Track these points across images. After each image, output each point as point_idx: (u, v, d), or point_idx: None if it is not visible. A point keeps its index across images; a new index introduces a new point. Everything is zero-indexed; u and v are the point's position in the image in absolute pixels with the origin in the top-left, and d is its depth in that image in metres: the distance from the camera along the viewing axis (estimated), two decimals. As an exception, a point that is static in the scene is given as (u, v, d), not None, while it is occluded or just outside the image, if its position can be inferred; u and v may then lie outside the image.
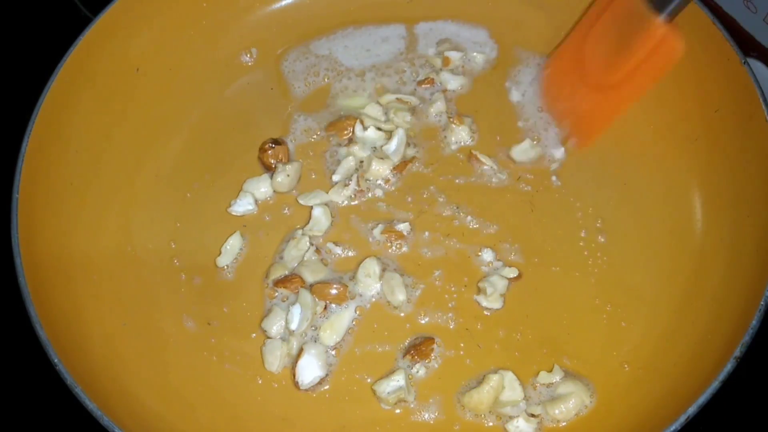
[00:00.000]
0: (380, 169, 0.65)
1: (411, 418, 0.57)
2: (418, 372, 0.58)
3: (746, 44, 0.70)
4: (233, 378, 0.59)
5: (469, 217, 0.65)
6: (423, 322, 0.60)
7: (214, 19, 0.73)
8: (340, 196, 0.65)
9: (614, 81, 0.61)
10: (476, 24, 0.74)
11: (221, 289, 0.62)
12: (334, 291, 0.60)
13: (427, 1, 0.75)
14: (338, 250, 0.63)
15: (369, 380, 0.58)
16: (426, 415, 0.57)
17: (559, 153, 0.67)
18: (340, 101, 0.70)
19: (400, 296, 0.60)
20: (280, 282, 0.61)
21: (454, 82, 0.70)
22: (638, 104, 0.68)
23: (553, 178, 0.66)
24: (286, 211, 0.65)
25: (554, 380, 0.57)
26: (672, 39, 0.56)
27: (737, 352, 0.52)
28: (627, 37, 0.59)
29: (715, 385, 0.51)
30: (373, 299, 0.61)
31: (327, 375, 0.58)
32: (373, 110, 0.68)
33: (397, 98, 0.69)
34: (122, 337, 0.60)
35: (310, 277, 0.61)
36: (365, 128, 0.67)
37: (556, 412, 0.56)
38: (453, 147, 0.68)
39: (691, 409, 0.50)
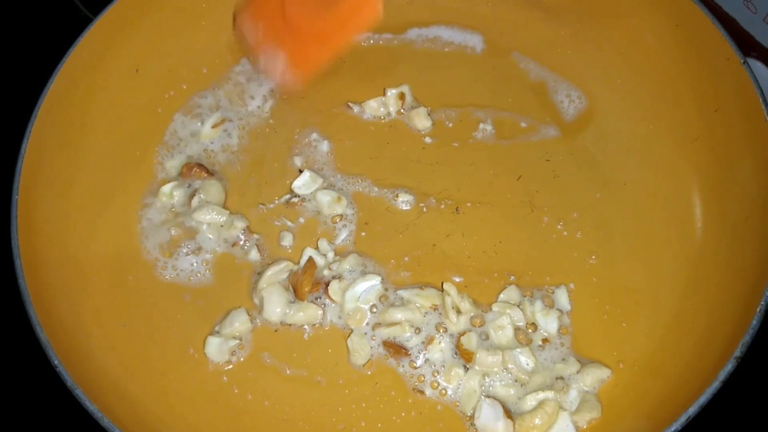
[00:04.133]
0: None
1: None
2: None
3: (746, 44, 0.70)
4: (233, 379, 0.59)
5: (469, 220, 0.65)
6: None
7: (214, 19, 0.73)
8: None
9: (316, 31, 0.62)
10: (471, 29, 0.74)
11: (221, 290, 0.62)
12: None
13: (423, 4, 0.75)
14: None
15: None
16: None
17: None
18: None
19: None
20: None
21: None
22: (638, 104, 0.69)
23: (554, 178, 0.66)
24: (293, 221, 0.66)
25: (571, 371, 0.57)
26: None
27: (737, 352, 0.52)
28: None
29: (716, 385, 0.51)
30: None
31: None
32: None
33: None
34: (122, 338, 0.59)
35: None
36: None
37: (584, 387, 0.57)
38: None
39: (692, 409, 0.50)
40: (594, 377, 0.57)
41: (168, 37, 0.71)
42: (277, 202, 0.66)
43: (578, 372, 0.57)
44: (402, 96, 0.69)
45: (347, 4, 0.60)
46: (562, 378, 0.57)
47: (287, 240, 0.64)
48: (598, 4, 0.71)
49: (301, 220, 0.65)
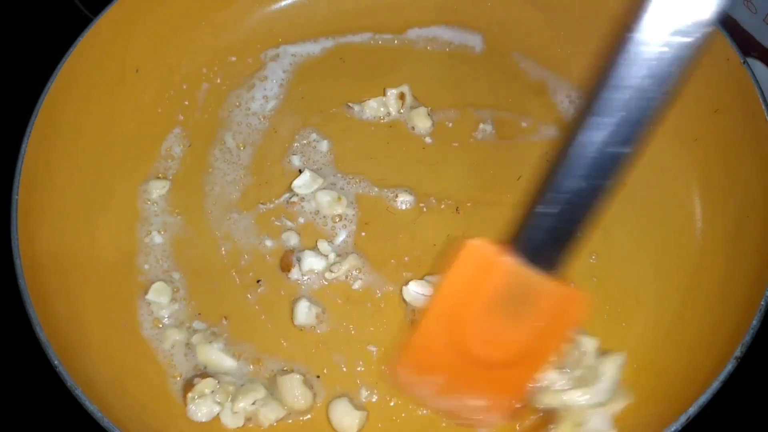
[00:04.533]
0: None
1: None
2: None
3: (746, 44, 0.70)
4: (234, 379, 0.59)
5: (467, 216, 0.65)
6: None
7: (214, 19, 0.73)
8: None
9: (513, 354, 0.49)
10: (471, 29, 0.74)
11: (222, 290, 0.62)
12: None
13: (423, 4, 0.75)
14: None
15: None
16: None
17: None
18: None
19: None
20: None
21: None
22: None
23: (553, 178, 0.66)
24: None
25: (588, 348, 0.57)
26: (573, 296, 0.48)
27: (737, 352, 0.52)
28: (518, 308, 0.47)
29: (716, 385, 0.51)
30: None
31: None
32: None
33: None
34: (122, 338, 0.59)
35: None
36: None
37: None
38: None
39: (692, 409, 0.50)
40: (614, 365, 0.57)
41: (168, 37, 0.71)
42: (276, 201, 0.66)
43: (599, 364, 0.57)
44: (402, 96, 0.69)
45: (546, 309, 0.47)
46: (589, 370, 0.57)
47: (293, 240, 0.64)
48: (598, 4, 0.71)
49: (301, 220, 0.65)
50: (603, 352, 0.57)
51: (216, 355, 0.58)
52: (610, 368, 0.56)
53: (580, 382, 0.56)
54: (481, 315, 0.48)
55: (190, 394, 0.56)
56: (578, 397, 0.55)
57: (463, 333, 0.48)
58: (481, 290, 0.48)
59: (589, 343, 0.56)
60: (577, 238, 0.45)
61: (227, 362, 0.58)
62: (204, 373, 0.57)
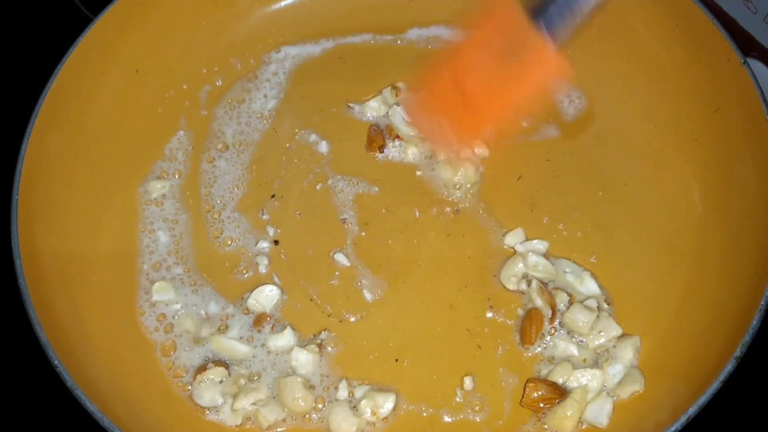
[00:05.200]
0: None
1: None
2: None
3: (746, 44, 0.70)
4: (234, 378, 0.59)
5: (470, 220, 0.65)
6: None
7: (214, 19, 0.73)
8: None
9: (491, 91, 0.58)
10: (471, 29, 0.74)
11: (221, 290, 0.62)
12: None
13: (423, 4, 0.75)
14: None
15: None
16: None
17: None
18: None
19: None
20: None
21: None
22: (638, 104, 0.69)
23: (554, 178, 0.66)
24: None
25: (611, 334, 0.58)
26: (555, 58, 0.54)
27: (737, 352, 0.52)
28: (511, 54, 0.56)
29: (716, 385, 0.51)
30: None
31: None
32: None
33: None
34: (122, 338, 0.59)
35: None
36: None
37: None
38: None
39: (692, 409, 0.50)
40: (631, 347, 0.57)
41: (168, 37, 0.71)
42: (276, 202, 0.66)
43: (615, 347, 0.58)
44: (396, 89, 0.69)
45: (524, 58, 0.54)
46: (606, 351, 0.58)
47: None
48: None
49: (301, 220, 0.65)
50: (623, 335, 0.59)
51: (229, 344, 0.59)
52: (627, 351, 0.57)
53: (596, 363, 0.57)
54: (478, 48, 0.57)
55: (199, 376, 0.57)
56: (591, 377, 0.56)
57: (461, 64, 0.58)
58: (486, 29, 0.57)
59: (613, 330, 0.58)
60: (580, 15, 0.53)
61: (241, 348, 0.59)
62: (218, 361, 0.58)
